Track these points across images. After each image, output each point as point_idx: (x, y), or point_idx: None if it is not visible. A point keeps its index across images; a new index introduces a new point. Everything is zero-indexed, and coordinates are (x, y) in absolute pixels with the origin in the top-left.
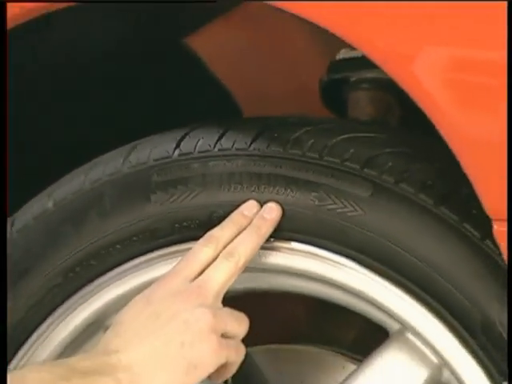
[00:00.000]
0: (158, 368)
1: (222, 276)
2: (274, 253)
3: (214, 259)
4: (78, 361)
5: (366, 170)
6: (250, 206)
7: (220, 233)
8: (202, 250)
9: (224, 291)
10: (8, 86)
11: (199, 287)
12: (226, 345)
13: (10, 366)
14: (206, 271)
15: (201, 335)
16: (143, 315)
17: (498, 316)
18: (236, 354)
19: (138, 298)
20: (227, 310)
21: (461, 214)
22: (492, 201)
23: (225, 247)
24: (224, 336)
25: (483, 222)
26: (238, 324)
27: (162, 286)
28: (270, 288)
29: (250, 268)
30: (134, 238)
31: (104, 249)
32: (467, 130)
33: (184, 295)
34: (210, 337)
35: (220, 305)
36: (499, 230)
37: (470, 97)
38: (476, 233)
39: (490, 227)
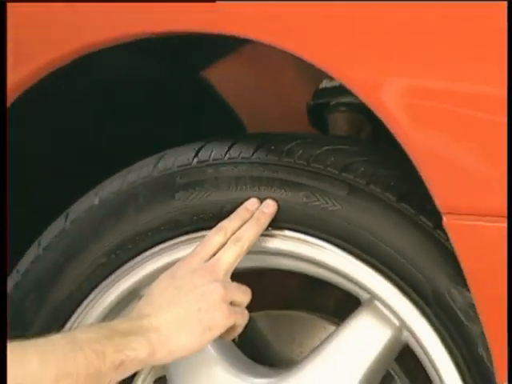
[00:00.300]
0: (181, 329)
1: (231, 257)
2: (271, 239)
3: (224, 244)
4: (118, 324)
5: (343, 174)
6: (252, 203)
7: (229, 223)
8: (214, 236)
9: (232, 269)
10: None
11: (213, 266)
12: (233, 311)
13: (65, 328)
14: (218, 253)
15: (214, 304)
16: (169, 288)
17: (446, 288)
18: (242, 319)
19: (165, 274)
20: (235, 283)
21: (417, 208)
22: (442, 198)
23: (232, 235)
24: (232, 304)
25: (435, 215)
26: (243, 295)
27: (184, 264)
28: (268, 266)
29: (253, 251)
30: (162, 227)
31: (138, 235)
32: (423, 143)
33: (201, 272)
34: (221, 305)
35: (229, 280)
36: (448, 221)
37: (426, 117)
38: (429, 223)
39: (441, 219)
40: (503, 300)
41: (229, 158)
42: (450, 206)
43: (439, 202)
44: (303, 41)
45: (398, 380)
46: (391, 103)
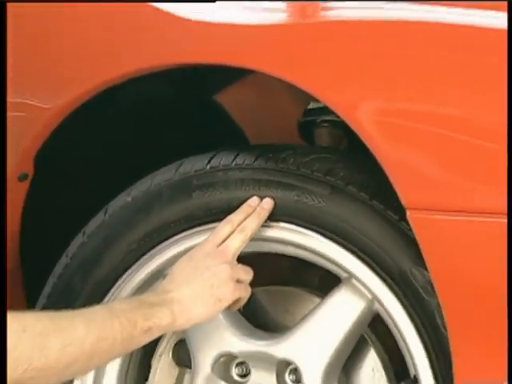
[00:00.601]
0: (197, 302)
1: (237, 243)
2: (269, 229)
3: (232, 233)
4: (146, 297)
5: (326, 177)
6: (254, 200)
7: (235, 216)
8: (224, 227)
9: (238, 253)
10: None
11: (222, 250)
12: (238, 287)
13: (104, 300)
14: (227, 240)
15: (223, 281)
16: (187, 268)
17: (409, 269)
18: (245, 293)
19: (184, 257)
20: (240, 265)
21: (386, 204)
22: (406, 196)
23: (238, 226)
24: (238, 281)
25: (400, 210)
26: (246, 274)
27: (199, 249)
28: (267, 251)
29: (254, 239)
30: (182, 220)
31: (163, 226)
32: (391, 153)
33: (213, 255)
34: (229, 282)
35: (235, 262)
36: (410, 215)
37: (394, 132)
38: (395, 216)
39: (405, 213)
40: (456, 278)
41: (235, 165)
42: (412, 203)
43: (404, 200)
44: (296, 71)
45: (370, 342)
46: (365, 121)
